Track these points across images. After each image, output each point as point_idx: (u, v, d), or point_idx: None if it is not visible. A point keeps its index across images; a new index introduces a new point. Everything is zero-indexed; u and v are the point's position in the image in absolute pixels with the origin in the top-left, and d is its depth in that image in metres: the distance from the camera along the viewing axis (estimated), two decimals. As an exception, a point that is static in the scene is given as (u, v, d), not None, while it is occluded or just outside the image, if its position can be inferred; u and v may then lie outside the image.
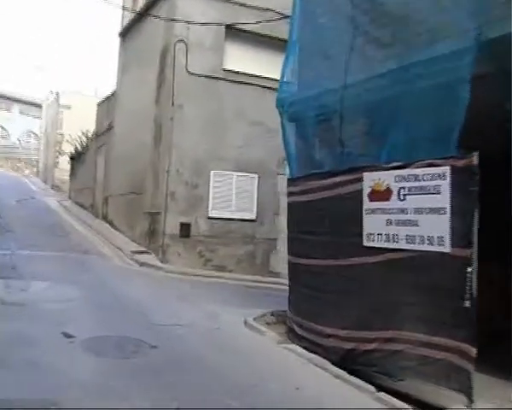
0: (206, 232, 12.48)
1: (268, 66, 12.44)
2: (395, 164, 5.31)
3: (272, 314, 7.76)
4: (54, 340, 5.52)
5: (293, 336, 6.72)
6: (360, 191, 5.67)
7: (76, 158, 24.96)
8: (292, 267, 7.03)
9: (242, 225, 12.88)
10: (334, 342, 5.93)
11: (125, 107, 16.92)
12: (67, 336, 5.67)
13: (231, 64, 13.04)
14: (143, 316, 6.97)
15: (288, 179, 7.22)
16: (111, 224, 16.30)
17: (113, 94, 19.01)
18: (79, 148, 24.26)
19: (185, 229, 12.20)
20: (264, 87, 12.46)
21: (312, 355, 5.98)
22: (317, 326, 6.21)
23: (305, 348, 6.30)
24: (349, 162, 6.04)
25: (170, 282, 10.38)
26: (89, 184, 20.66)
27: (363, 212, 5.62)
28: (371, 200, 5.57)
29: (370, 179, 5.57)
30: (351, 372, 5.41)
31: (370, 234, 5.53)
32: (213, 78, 12.77)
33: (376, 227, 5.46)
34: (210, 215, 12.51)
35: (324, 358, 5.93)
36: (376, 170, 5.52)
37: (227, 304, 8.59)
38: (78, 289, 7.92)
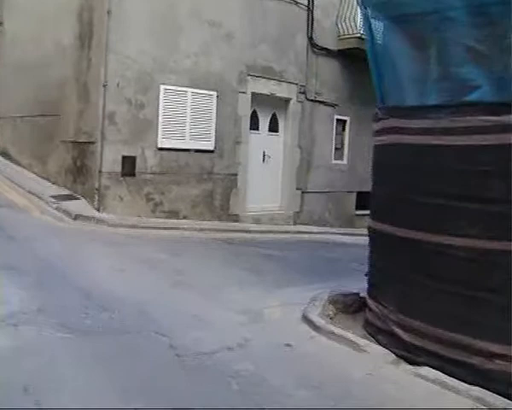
0: (156, 168, 9.57)
1: None
2: None
3: (328, 301, 5.51)
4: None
5: (392, 342, 4.57)
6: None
7: None
8: (385, 240, 4.79)
9: (198, 157, 10.14)
10: (502, 365, 3.92)
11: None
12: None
13: None
14: (158, 339, 4.25)
15: (388, 109, 4.78)
16: (7, 157, 12.36)
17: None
18: None
19: (129, 165, 9.18)
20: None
21: (474, 389, 3.91)
22: (463, 338, 4.12)
23: (434, 367, 4.22)
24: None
25: (130, 246, 7.53)
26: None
27: None
28: None
29: None
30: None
31: None
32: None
33: None
34: (160, 145, 9.56)
35: (481, 386, 3.92)
36: None
37: (239, 282, 6.18)
38: (17, 288, 4.88)
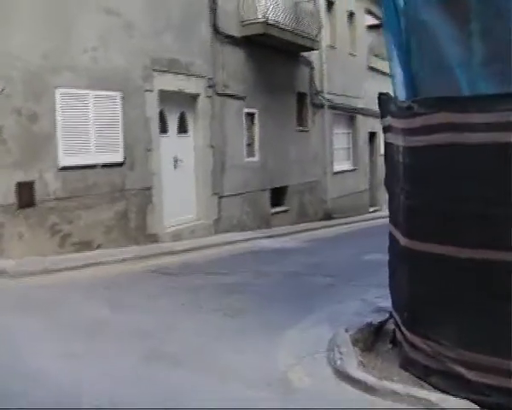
0: (59, 193, 7.72)
1: None
2: None
3: (352, 343, 4.48)
4: None
5: (453, 385, 3.66)
6: None
7: None
8: (435, 263, 3.86)
9: (107, 173, 8.45)
10: None
11: None
12: None
13: None
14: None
15: (436, 101, 3.79)
16: None
17: None
18: None
19: (26, 193, 7.27)
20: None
21: None
22: None
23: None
24: None
25: (53, 305, 5.72)
26: None
27: None
28: None
29: None
30: None
31: None
32: None
33: None
34: (62, 164, 7.72)
35: None
36: None
37: (222, 334, 4.88)
38: None
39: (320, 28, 13.37)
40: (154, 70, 9.19)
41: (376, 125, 19.90)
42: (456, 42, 3.78)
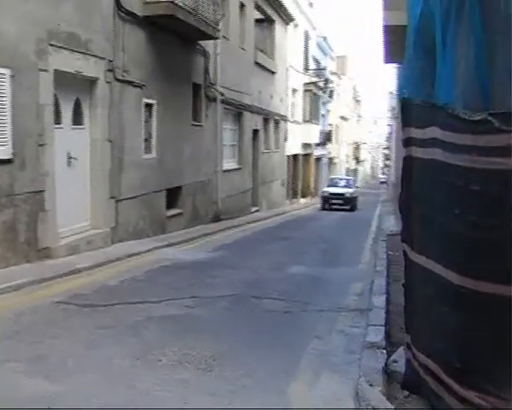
0: None
1: None
2: None
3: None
4: None
5: None
6: None
7: None
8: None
9: (-8, 172, 6.60)
10: None
11: None
12: None
13: None
14: None
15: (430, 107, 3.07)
16: None
17: None
18: None
19: None
20: None
21: None
22: None
23: None
24: None
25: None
26: None
27: None
28: None
29: None
30: None
31: None
32: None
33: None
34: None
35: None
36: None
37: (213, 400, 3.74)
38: None
39: (223, 15, 12.36)
40: (50, 45, 7.43)
41: (259, 122, 19.49)
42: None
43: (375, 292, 6.89)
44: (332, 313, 6.05)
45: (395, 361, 4.46)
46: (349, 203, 25.16)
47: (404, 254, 4.29)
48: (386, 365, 4.40)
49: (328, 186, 27.38)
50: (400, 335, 5.16)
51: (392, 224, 16.53)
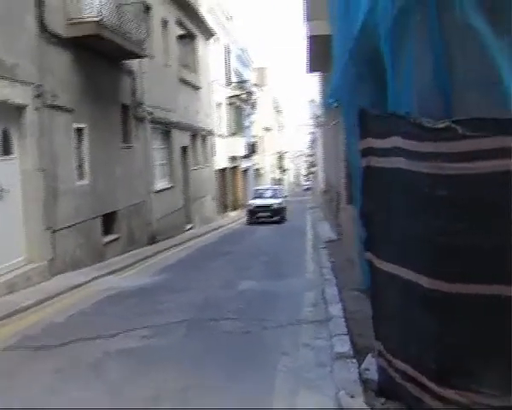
0: None
1: None
2: None
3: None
4: None
5: None
6: None
7: None
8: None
9: None
10: None
11: None
12: None
13: None
14: None
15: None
16: None
17: None
18: None
19: None
20: None
21: None
22: None
23: None
24: None
25: None
26: None
27: None
28: None
29: None
30: None
31: None
32: None
33: None
34: None
35: None
36: None
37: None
38: None
39: (148, 33, 12.19)
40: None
41: (187, 139, 19.36)
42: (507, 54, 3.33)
43: (330, 301, 7.00)
44: (293, 327, 6.06)
45: (367, 369, 4.53)
46: (277, 215, 23.34)
47: (370, 262, 4.37)
48: (359, 374, 4.47)
49: (254, 198, 25.30)
50: (362, 342, 5.29)
51: (328, 230, 16.91)
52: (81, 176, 10.41)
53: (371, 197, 4.29)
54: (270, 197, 24.98)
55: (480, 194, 3.33)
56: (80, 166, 10.40)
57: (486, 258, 3.30)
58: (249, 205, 24.44)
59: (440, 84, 3.50)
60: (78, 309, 7.15)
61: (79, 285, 8.68)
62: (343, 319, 6.02)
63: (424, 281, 3.64)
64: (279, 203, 24.04)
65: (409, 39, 3.69)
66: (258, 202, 24.13)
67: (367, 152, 4.23)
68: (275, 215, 23.22)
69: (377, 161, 4.10)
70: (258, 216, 23.20)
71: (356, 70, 5.77)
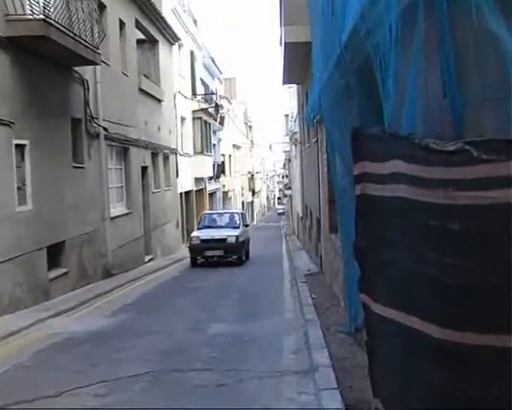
0: None
1: None
2: None
3: None
4: None
5: None
6: None
7: None
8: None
9: None
10: None
11: None
12: None
13: None
14: None
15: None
16: None
17: None
18: None
19: None
20: None
21: None
22: None
23: None
24: None
25: None
26: None
27: None
28: None
29: None
30: None
31: None
32: None
33: None
34: None
35: None
36: None
37: None
38: None
39: (103, 36, 11.92)
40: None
41: (147, 158, 19.05)
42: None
43: (314, 346, 6.78)
44: (273, 380, 5.80)
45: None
46: (235, 253, 17.99)
47: (365, 306, 4.17)
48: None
49: (200, 229, 19.46)
50: (353, 396, 5.06)
51: (307, 262, 16.77)
52: (22, 200, 9.97)
53: (367, 230, 4.08)
54: (225, 227, 19.39)
55: (498, 228, 3.14)
56: (21, 189, 9.97)
57: (507, 302, 3.11)
58: (193, 239, 18.43)
59: (450, 99, 3.32)
60: (14, 362, 6.68)
61: (17, 332, 8.20)
62: (331, 369, 5.80)
63: (434, 330, 3.42)
64: (237, 236, 18.12)
65: (413, 44, 3.52)
66: (206, 233, 18.45)
67: (361, 178, 4.02)
68: (231, 253, 17.98)
69: (374, 189, 3.89)
70: (205, 256, 18.21)
71: (343, 82, 5.61)
